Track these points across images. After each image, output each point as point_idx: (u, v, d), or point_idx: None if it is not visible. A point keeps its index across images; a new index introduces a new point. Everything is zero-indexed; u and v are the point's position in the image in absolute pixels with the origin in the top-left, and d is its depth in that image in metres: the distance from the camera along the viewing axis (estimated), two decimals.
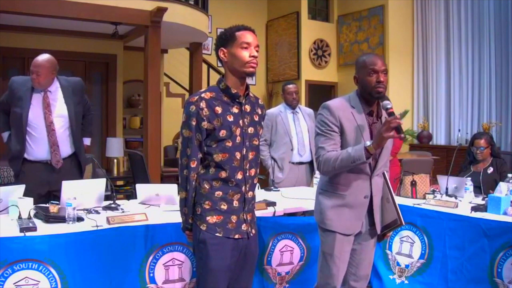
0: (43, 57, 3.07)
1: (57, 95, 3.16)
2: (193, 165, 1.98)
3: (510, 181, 3.08)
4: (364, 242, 2.31)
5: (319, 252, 2.34)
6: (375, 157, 2.20)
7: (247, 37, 1.97)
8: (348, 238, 2.24)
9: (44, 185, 3.10)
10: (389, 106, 2.12)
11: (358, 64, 2.24)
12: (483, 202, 3.03)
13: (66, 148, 3.18)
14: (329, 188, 2.26)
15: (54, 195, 3.08)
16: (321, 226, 2.29)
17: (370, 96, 2.20)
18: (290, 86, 4.10)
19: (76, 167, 3.27)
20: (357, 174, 2.19)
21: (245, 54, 1.96)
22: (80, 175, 3.27)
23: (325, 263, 2.26)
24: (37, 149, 3.09)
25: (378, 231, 2.31)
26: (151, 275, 2.54)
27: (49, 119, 3.09)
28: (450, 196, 3.33)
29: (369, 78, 2.16)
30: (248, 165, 2.04)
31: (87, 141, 3.47)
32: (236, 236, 2.01)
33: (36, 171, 3.10)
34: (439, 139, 7.98)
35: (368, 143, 2.07)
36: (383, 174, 2.29)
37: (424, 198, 3.26)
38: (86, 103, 3.42)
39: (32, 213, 2.45)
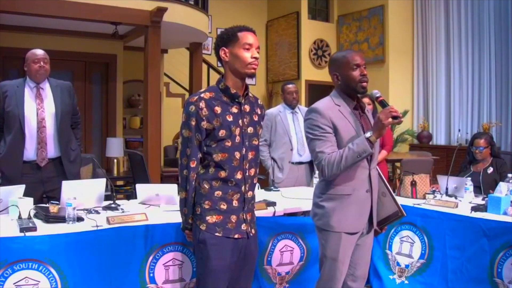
0: (41, 50, 3.20)
1: (47, 92, 3.19)
2: (193, 165, 1.98)
3: (510, 181, 3.08)
4: (362, 242, 2.29)
5: (320, 257, 2.29)
6: None
7: (249, 38, 1.97)
8: (353, 237, 2.21)
9: (33, 186, 2.99)
10: (378, 95, 2.12)
11: (338, 61, 2.20)
12: (483, 202, 3.02)
13: (51, 149, 3.14)
14: (329, 191, 2.20)
15: (48, 196, 3.07)
16: (325, 229, 2.22)
17: (354, 91, 2.18)
18: (290, 86, 4.11)
19: (61, 171, 3.19)
20: (356, 169, 2.16)
21: (247, 55, 1.96)
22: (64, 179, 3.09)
23: (328, 268, 2.22)
24: (28, 147, 3.08)
25: (375, 225, 2.29)
26: (151, 275, 2.54)
27: (41, 115, 3.10)
28: (450, 196, 3.32)
29: (353, 73, 2.15)
30: (247, 165, 2.04)
31: None
32: (236, 236, 2.01)
33: (24, 172, 3.07)
34: (439, 139, 7.98)
35: (368, 134, 2.06)
36: (376, 168, 2.29)
37: (424, 198, 3.26)
38: (75, 107, 3.39)
39: (32, 213, 2.45)
